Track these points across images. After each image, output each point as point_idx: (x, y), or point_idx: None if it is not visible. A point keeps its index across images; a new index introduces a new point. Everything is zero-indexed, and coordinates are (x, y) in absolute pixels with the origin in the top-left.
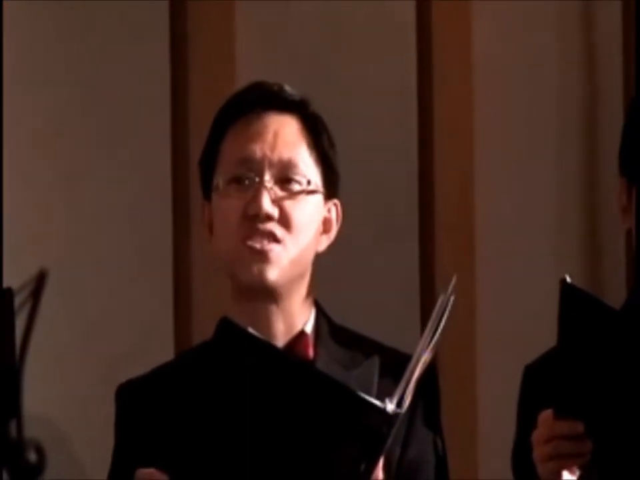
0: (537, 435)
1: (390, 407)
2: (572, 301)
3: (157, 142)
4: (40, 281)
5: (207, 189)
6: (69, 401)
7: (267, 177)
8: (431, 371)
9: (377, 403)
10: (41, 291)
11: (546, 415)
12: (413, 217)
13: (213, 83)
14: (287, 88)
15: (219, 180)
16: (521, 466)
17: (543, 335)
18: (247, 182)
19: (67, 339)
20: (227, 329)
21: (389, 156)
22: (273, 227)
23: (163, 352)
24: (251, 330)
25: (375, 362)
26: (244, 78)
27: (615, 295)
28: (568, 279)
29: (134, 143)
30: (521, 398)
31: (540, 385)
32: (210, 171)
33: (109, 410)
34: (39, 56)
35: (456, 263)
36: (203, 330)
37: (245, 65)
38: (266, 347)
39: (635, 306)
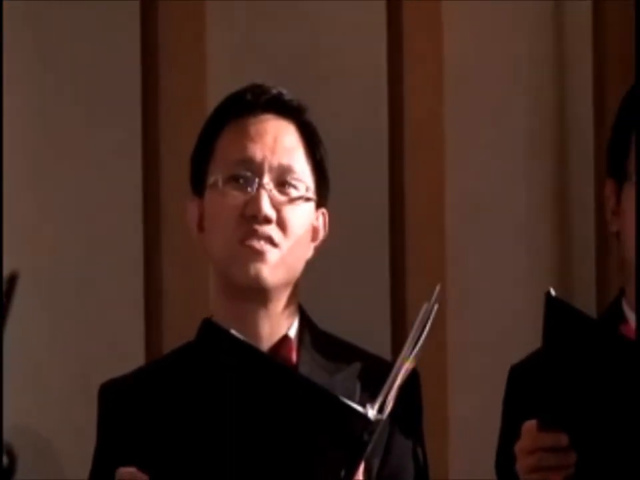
0: (521, 446)
1: (371, 413)
2: (556, 313)
3: (127, 142)
4: (11, 283)
5: (198, 185)
6: (39, 403)
7: (267, 180)
8: (413, 379)
9: (359, 408)
10: (11, 293)
11: (530, 425)
12: (383, 225)
13: (184, 82)
14: (286, 93)
15: (217, 177)
16: (505, 471)
17: (514, 344)
18: (245, 184)
19: (35, 341)
20: (210, 330)
21: (359, 160)
22: (271, 229)
23: (133, 354)
24: (233, 332)
25: (358, 368)
26: (215, 76)
27: (585, 299)
28: (552, 292)
29: (104, 142)
30: (506, 398)
31: (525, 385)
32: (202, 167)
33: (81, 411)
34: (9, 54)
35: (427, 270)
36: (173, 332)
37: (216, 63)
38: (248, 349)
39: (613, 312)
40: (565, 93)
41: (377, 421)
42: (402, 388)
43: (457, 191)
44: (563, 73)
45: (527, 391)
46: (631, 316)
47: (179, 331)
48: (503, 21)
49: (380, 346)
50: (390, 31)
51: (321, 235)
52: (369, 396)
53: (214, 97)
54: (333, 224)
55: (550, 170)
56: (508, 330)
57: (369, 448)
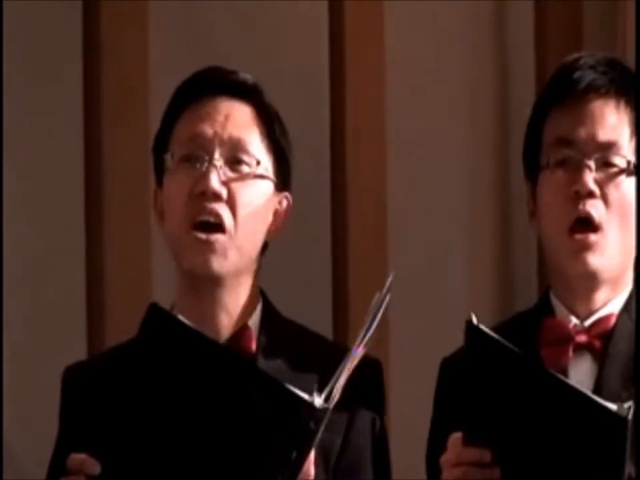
0: (446, 458)
1: (318, 401)
2: (476, 339)
3: (69, 132)
4: None
5: (159, 175)
6: None
7: (217, 156)
8: (375, 369)
9: (304, 396)
10: None
11: (455, 438)
12: (325, 222)
13: (126, 74)
14: (242, 74)
15: (169, 160)
16: (433, 468)
17: (454, 336)
18: (197, 163)
19: None
20: (155, 315)
21: (300, 157)
22: (220, 207)
23: (74, 345)
24: (180, 317)
25: (319, 356)
26: (156, 74)
27: (526, 298)
28: (474, 320)
29: (45, 138)
30: (437, 390)
31: (456, 377)
32: (162, 156)
33: (22, 400)
34: None
35: (368, 263)
36: (115, 322)
37: (157, 60)
38: (193, 334)
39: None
40: (507, 97)
41: (324, 409)
42: (363, 379)
43: (399, 186)
44: (504, 70)
45: (457, 385)
46: (557, 307)
47: (121, 321)
48: (444, 15)
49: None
50: (332, 28)
51: (283, 219)
52: (325, 382)
53: (156, 102)
54: None
55: (491, 167)
56: (448, 324)
57: (317, 437)
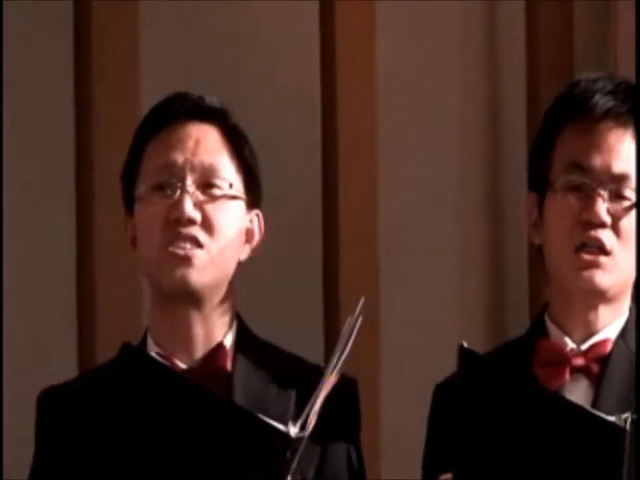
0: None
1: (293, 430)
2: (469, 365)
3: (60, 149)
4: None
5: (130, 203)
6: None
7: (189, 182)
8: (350, 389)
9: (280, 427)
10: None
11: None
12: (317, 229)
13: (117, 84)
14: (208, 98)
15: (141, 188)
16: None
17: (445, 352)
18: (169, 191)
19: None
20: (128, 354)
21: (292, 163)
22: (196, 231)
23: (65, 364)
24: (153, 354)
25: (294, 378)
26: (148, 82)
27: (518, 308)
28: (465, 344)
29: (37, 148)
30: (431, 416)
31: (450, 403)
32: (132, 184)
33: (11, 419)
34: None
35: (360, 278)
36: (106, 342)
37: (149, 67)
38: (167, 372)
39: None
40: (498, 102)
41: (299, 439)
42: (338, 400)
43: (390, 195)
44: (495, 80)
45: (451, 411)
46: (552, 330)
47: (112, 341)
48: (435, 18)
49: (312, 354)
50: (322, 35)
51: (256, 236)
52: (305, 405)
53: (147, 107)
54: (267, 232)
55: (482, 181)
56: (439, 342)
57: (293, 465)
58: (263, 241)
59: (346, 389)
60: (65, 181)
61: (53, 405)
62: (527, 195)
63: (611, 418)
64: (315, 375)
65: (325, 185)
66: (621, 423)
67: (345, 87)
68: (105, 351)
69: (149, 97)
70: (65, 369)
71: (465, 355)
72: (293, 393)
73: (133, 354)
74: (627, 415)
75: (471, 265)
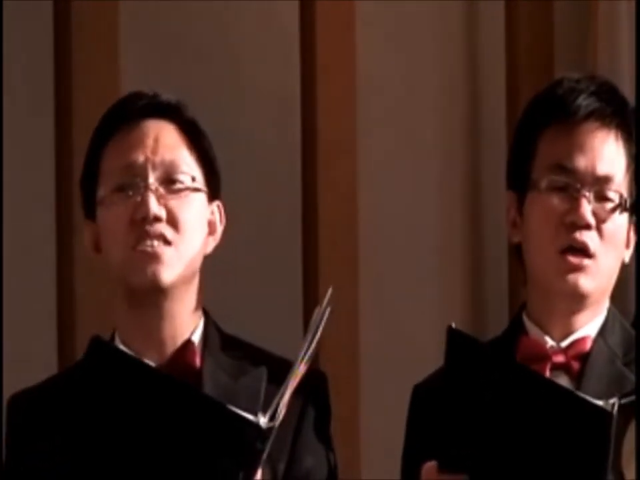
0: None
1: (263, 420)
2: (458, 347)
3: (39, 149)
4: None
5: (90, 207)
6: None
7: (152, 180)
8: (320, 382)
9: (249, 417)
10: None
11: (430, 466)
12: (296, 228)
13: (97, 84)
14: (162, 94)
15: (104, 191)
16: None
17: (425, 350)
18: (131, 191)
19: None
20: (98, 347)
21: (272, 164)
22: (162, 228)
23: (45, 364)
24: (121, 347)
25: (263, 371)
26: (128, 82)
27: (498, 306)
28: (454, 325)
29: (15, 148)
30: (409, 417)
31: (429, 404)
32: (92, 188)
33: None
34: None
35: (339, 275)
36: (86, 341)
37: (129, 67)
38: (137, 364)
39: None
40: (478, 102)
41: (269, 429)
42: (308, 392)
43: (370, 199)
44: (475, 79)
45: (430, 412)
46: (530, 328)
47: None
48: (414, 18)
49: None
50: (302, 36)
51: (219, 228)
52: (271, 398)
53: None
54: (243, 222)
55: (461, 180)
56: (419, 341)
57: (264, 455)
58: (243, 241)
59: (316, 382)
60: (44, 179)
61: (23, 408)
62: (506, 194)
63: (599, 402)
64: (283, 368)
65: (304, 186)
66: (608, 407)
67: (325, 87)
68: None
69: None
70: (45, 371)
71: (453, 336)
72: (263, 387)
73: (103, 347)
74: (614, 399)
75: (450, 265)
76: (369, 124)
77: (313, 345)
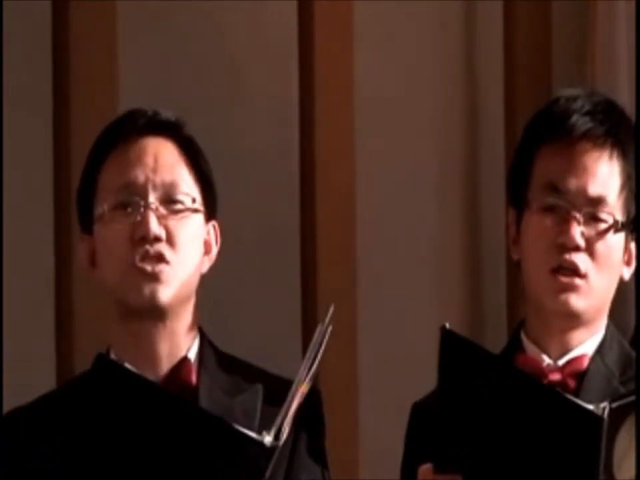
0: None
1: (267, 439)
2: (452, 347)
3: (38, 158)
4: None
5: (87, 222)
6: None
7: (152, 199)
8: (315, 399)
9: (254, 435)
10: None
11: (425, 468)
12: (294, 242)
13: (94, 91)
14: (162, 112)
15: (102, 208)
16: None
17: (424, 362)
18: (130, 209)
19: None
20: (103, 365)
21: (269, 170)
22: (162, 247)
23: (44, 376)
24: (127, 365)
25: (259, 389)
26: (126, 85)
27: (497, 318)
28: (447, 326)
29: (14, 155)
30: (408, 435)
31: (428, 423)
32: (89, 203)
33: None
34: None
35: (338, 289)
36: (84, 353)
37: (127, 69)
38: (142, 382)
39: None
40: (476, 104)
41: (273, 447)
42: (302, 409)
43: (368, 206)
44: (473, 83)
45: (428, 431)
46: (528, 346)
47: (90, 353)
48: (412, 31)
49: (291, 365)
50: (301, 47)
51: (214, 248)
52: (270, 417)
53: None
54: (242, 239)
55: (460, 189)
56: (418, 353)
57: (267, 474)
58: (241, 252)
59: (311, 400)
60: (43, 188)
61: (15, 427)
62: (507, 210)
63: (590, 406)
64: (279, 386)
65: (302, 193)
66: (599, 411)
67: (323, 96)
68: (84, 364)
69: (127, 99)
70: (44, 383)
71: (447, 337)
72: (259, 405)
73: (108, 364)
74: (604, 403)
75: (448, 272)
76: (367, 132)
77: (316, 364)
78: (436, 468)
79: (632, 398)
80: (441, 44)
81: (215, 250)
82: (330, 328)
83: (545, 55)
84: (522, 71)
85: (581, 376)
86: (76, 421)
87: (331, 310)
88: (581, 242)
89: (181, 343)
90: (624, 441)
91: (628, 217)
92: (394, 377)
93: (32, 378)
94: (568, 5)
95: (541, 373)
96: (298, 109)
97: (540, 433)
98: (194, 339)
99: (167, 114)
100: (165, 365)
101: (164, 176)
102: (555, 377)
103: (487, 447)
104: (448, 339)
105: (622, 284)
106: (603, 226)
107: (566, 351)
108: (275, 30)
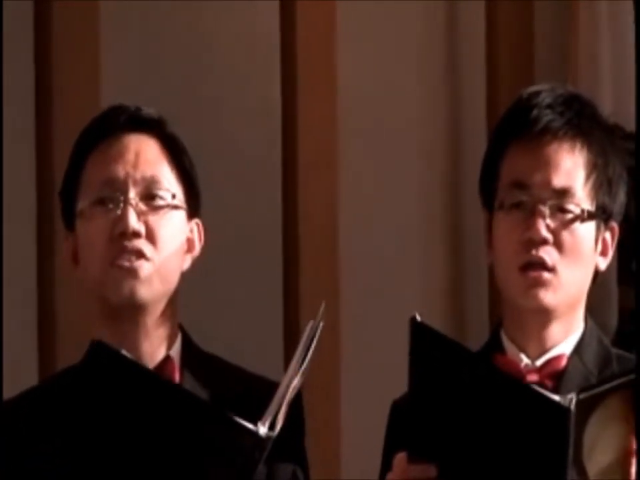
0: (392, 478)
1: (262, 430)
2: (422, 339)
3: (21, 161)
4: None
5: (69, 219)
6: None
7: (132, 195)
8: (295, 398)
9: (250, 425)
10: None
11: (400, 457)
12: (277, 242)
13: (77, 89)
14: (144, 108)
15: (83, 204)
16: None
17: (405, 363)
18: (111, 205)
19: None
20: (99, 351)
21: (251, 174)
22: (141, 243)
23: (25, 379)
24: (123, 352)
25: (240, 389)
26: (108, 83)
27: (478, 318)
28: (418, 317)
29: None
30: (387, 433)
31: (407, 421)
32: (72, 200)
33: None
34: None
35: (320, 288)
36: (67, 355)
37: (110, 68)
38: (138, 369)
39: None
40: (458, 105)
41: (268, 438)
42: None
43: (351, 209)
44: (456, 84)
45: (407, 428)
46: (507, 346)
47: (73, 353)
48: (395, 32)
49: (273, 363)
50: (283, 51)
51: (197, 246)
52: (250, 416)
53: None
54: (224, 240)
55: (443, 193)
56: (399, 351)
57: (260, 465)
58: (223, 252)
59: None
60: (26, 186)
61: (4, 420)
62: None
63: (556, 397)
64: (260, 386)
65: (285, 193)
66: (566, 403)
67: (306, 93)
68: (66, 364)
69: (110, 99)
70: (26, 381)
71: (416, 327)
72: (240, 404)
73: (104, 352)
74: (571, 395)
75: (432, 275)
76: (350, 133)
77: (308, 358)
78: (410, 457)
79: (600, 389)
80: (423, 45)
81: (197, 248)
82: (322, 323)
83: (527, 55)
84: (504, 72)
85: (559, 376)
86: (74, 409)
87: (322, 306)
88: (548, 235)
89: (162, 341)
90: (593, 431)
91: (598, 207)
92: (375, 374)
93: (14, 377)
94: (550, 5)
95: (519, 373)
96: (280, 109)
97: (510, 424)
98: (175, 337)
99: (150, 111)
100: (147, 363)
101: (144, 171)
102: (533, 377)
103: (460, 438)
104: (418, 330)
105: (603, 281)
106: (569, 216)
107: (544, 350)
108: (258, 30)
